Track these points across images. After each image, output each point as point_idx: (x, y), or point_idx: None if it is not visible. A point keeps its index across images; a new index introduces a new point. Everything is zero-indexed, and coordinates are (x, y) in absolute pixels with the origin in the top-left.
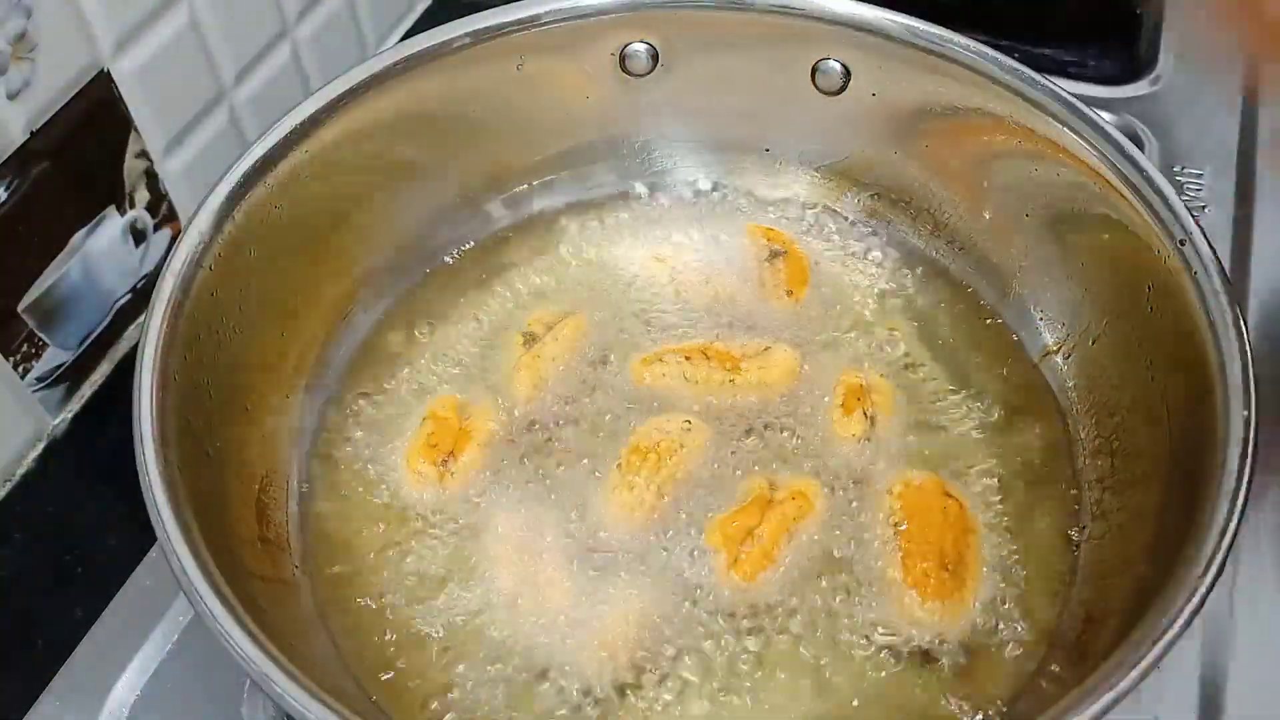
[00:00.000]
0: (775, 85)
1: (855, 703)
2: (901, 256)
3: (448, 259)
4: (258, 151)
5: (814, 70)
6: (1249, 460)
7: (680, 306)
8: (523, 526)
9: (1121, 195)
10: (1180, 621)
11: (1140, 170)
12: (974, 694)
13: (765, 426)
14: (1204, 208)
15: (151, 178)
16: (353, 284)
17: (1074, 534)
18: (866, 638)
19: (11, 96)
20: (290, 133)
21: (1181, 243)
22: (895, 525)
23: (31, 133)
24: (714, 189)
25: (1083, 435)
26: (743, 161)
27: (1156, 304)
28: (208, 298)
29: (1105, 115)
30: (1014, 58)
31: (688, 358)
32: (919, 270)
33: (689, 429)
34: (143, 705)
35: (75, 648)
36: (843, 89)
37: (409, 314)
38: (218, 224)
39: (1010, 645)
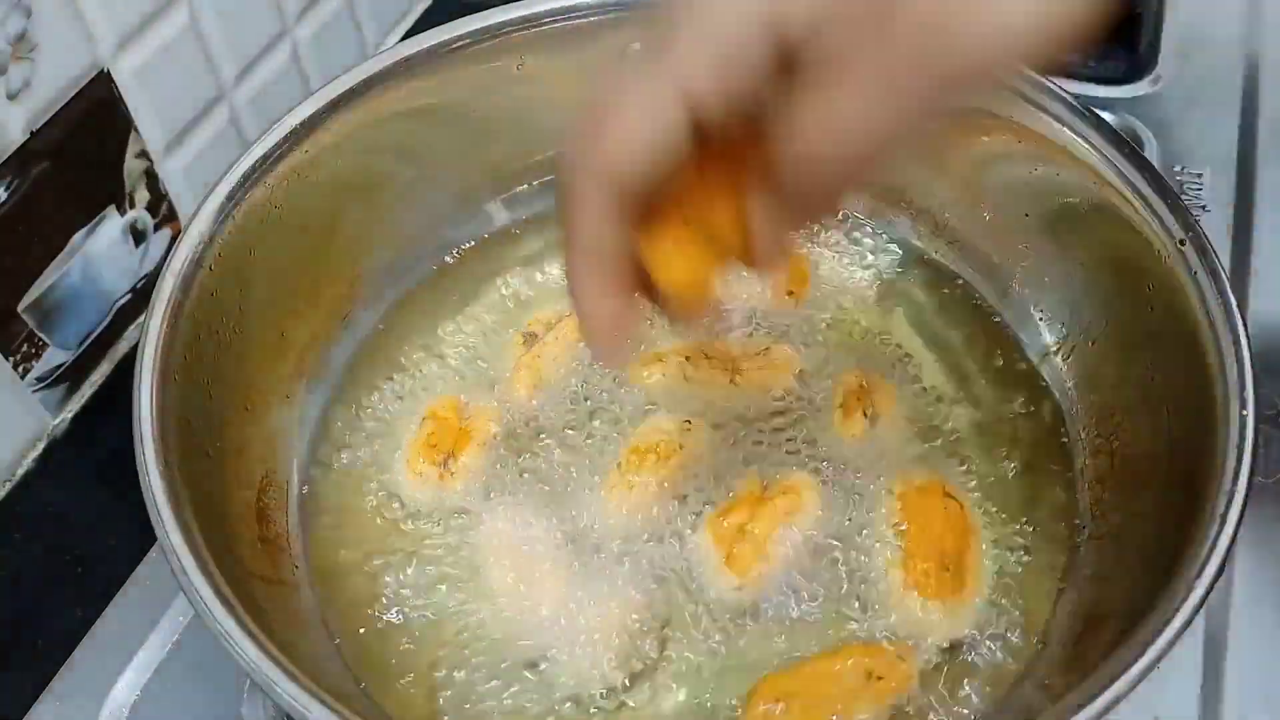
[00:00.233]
0: None
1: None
2: (901, 256)
3: (448, 259)
4: (258, 151)
5: None
6: (1249, 460)
7: None
8: (522, 526)
9: (1122, 195)
10: (1180, 621)
11: (1140, 170)
12: (973, 694)
13: (765, 427)
14: (1204, 208)
15: (151, 178)
16: (353, 284)
17: (1073, 534)
18: (866, 638)
19: (11, 96)
20: (290, 133)
21: (1181, 243)
22: (895, 525)
23: (31, 133)
24: None
25: (1083, 435)
26: None
27: (1156, 304)
28: (208, 298)
29: (1105, 115)
30: None
31: (688, 358)
32: (919, 270)
33: (689, 429)
34: (143, 705)
35: (75, 648)
36: None
37: (409, 314)
38: (218, 224)
39: (1010, 645)
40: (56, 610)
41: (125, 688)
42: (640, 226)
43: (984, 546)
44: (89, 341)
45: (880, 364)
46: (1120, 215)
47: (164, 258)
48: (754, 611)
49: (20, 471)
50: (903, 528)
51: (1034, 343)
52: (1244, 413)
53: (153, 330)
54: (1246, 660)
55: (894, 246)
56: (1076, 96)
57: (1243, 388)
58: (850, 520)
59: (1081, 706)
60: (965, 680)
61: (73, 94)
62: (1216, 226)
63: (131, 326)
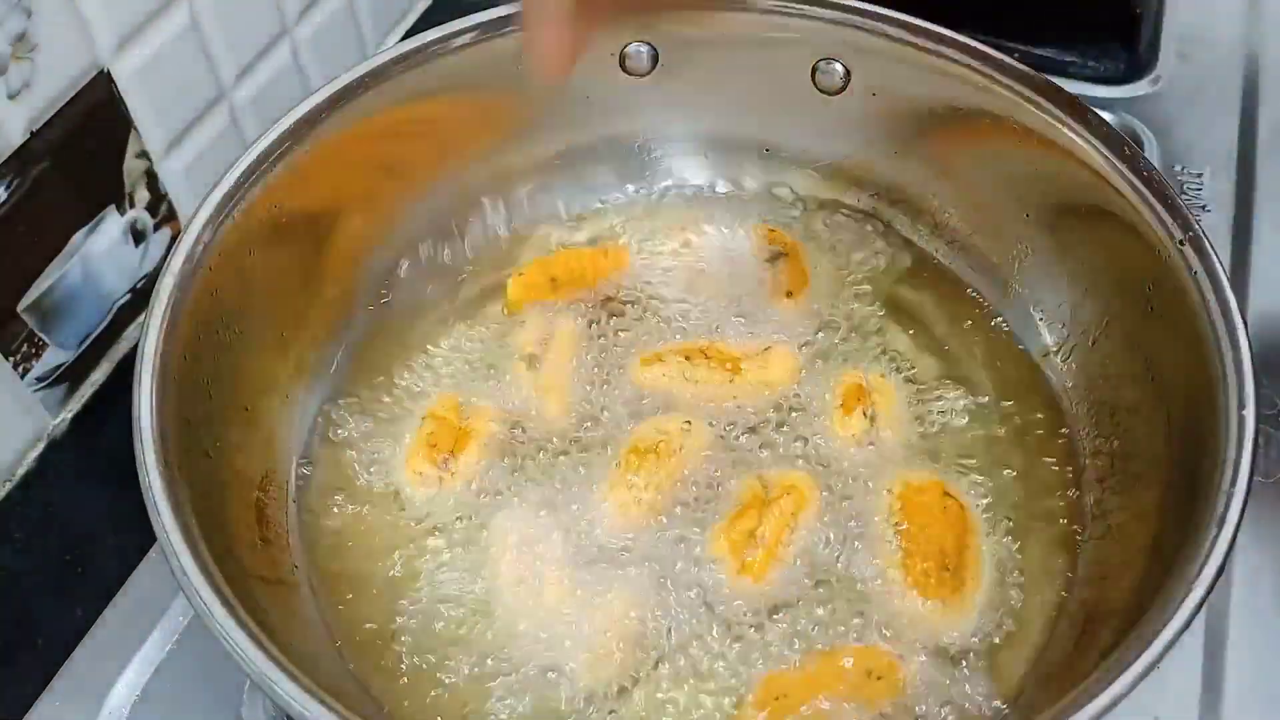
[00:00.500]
0: (775, 85)
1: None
2: (901, 256)
3: (447, 259)
4: (258, 151)
5: (814, 70)
6: (1249, 460)
7: (680, 306)
8: (522, 526)
9: (1122, 195)
10: (1180, 621)
11: (1140, 170)
12: (973, 694)
13: (765, 427)
14: (1204, 208)
15: (151, 178)
16: (353, 284)
17: (1074, 534)
18: (866, 638)
19: (11, 96)
20: (290, 133)
21: (1181, 243)
22: (895, 525)
23: (31, 133)
24: (714, 189)
25: (1083, 435)
26: (743, 161)
27: (1156, 304)
28: (208, 298)
29: (1105, 115)
30: (1014, 58)
31: (688, 358)
32: (919, 270)
33: (688, 429)
34: (143, 705)
35: (75, 648)
36: (843, 89)
37: (409, 314)
38: (218, 224)
39: (1010, 645)
40: (56, 610)
41: (125, 688)
42: None
43: (983, 546)
44: (89, 341)
45: (880, 364)
46: (1120, 215)
47: (164, 258)
48: (755, 612)
49: (20, 471)
50: (902, 527)
51: (1034, 343)
52: (1244, 413)
53: (153, 330)
54: (1246, 660)
55: (894, 246)
56: (1077, 96)
57: (1242, 388)
58: (850, 520)
59: (1081, 706)
60: (965, 680)
61: (73, 94)
62: (1216, 226)
63: (131, 326)
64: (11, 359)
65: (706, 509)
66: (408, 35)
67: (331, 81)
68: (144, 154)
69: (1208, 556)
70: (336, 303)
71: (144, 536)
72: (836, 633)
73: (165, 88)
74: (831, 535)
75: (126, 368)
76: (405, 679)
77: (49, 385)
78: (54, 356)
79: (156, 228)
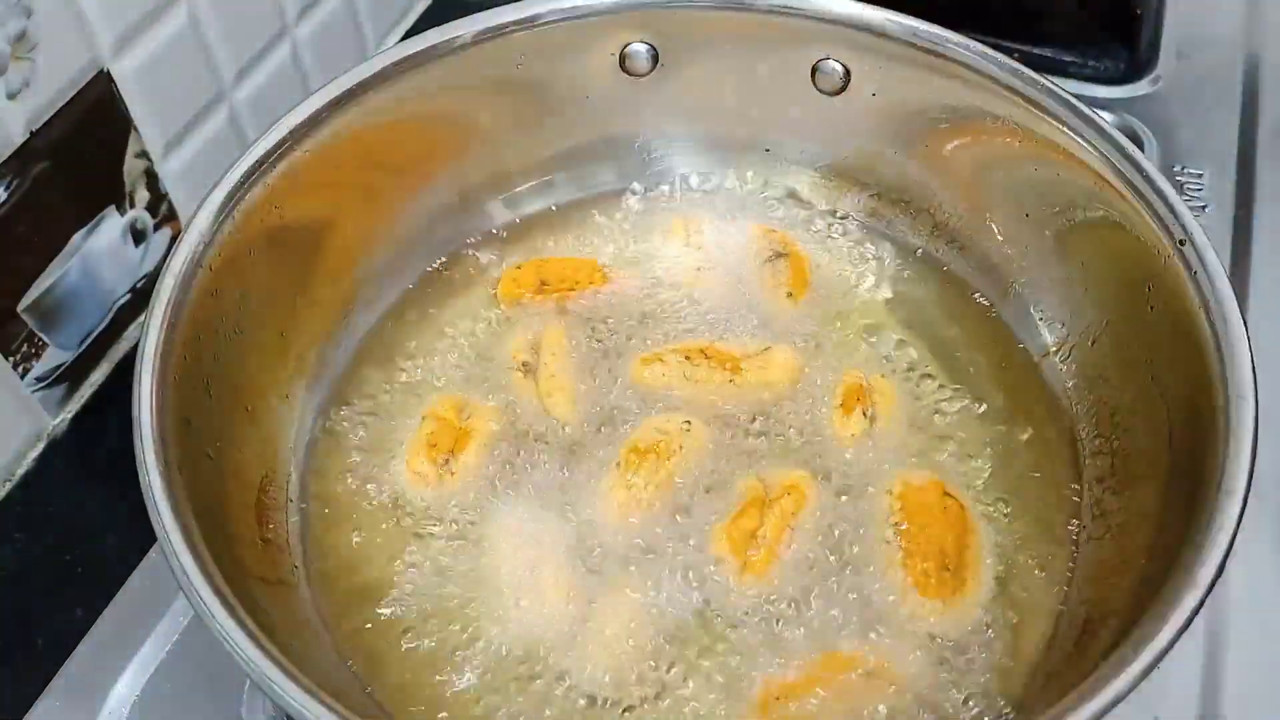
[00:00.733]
0: (775, 85)
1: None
2: (901, 256)
3: (447, 259)
4: (258, 151)
5: (814, 70)
6: (1249, 460)
7: (680, 306)
8: (523, 526)
9: (1121, 195)
10: (1180, 621)
11: (1140, 170)
12: (974, 693)
13: (765, 426)
14: (1204, 208)
15: (151, 178)
16: (353, 284)
17: (1074, 534)
18: (867, 638)
19: (11, 96)
20: (290, 133)
21: (1181, 243)
22: (895, 525)
23: (31, 133)
24: (714, 189)
25: (1083, 435)
26: (743, 161)
27: (1156, 304)
28: (208, 298)
29: (1105, 115)
30: (1014, 58)
31: (688, 357)
32: (919, 270)
33: (688, 429)
34: (143, 705)
35: (75, 648)
36: (843, 89)
37: (409, 314)
38: (218, 224)
39: (1010, 645)
40: (56, 610)
41: (125, 688)
42: None
43: (983, 546)
44: (89, 341)
45: (880, 364)
46: (1120, 215)
47: (164, 258)
48: (756, 612)
49: (20, 471)
50: (903, 527)
51: (1034, 343)
52: (1244, 412)
53: (153, 330)
54: (1246, 660)
55: (894, 246)
56: (1076, 96)
57: (1243, 388)
58: (850, 520)
59: (1081, 706)
60: (965, 680)
61: (73, 94)
62: (1216, 226)
63: (131, 326)
64: (11, 359)
65: (707, 509)
66: (408, 35)
67: (331, 82)
68: (144, 154)
69: (1208, 557)
70: (336, 303)
71: (144, 536)
72: (837, 633)
73: (165, 88)
74: (832, 535)
75: (126, 368)
76: (405, 679)
77: (49, 385)
78: (54, 356)
79: (156, 228)
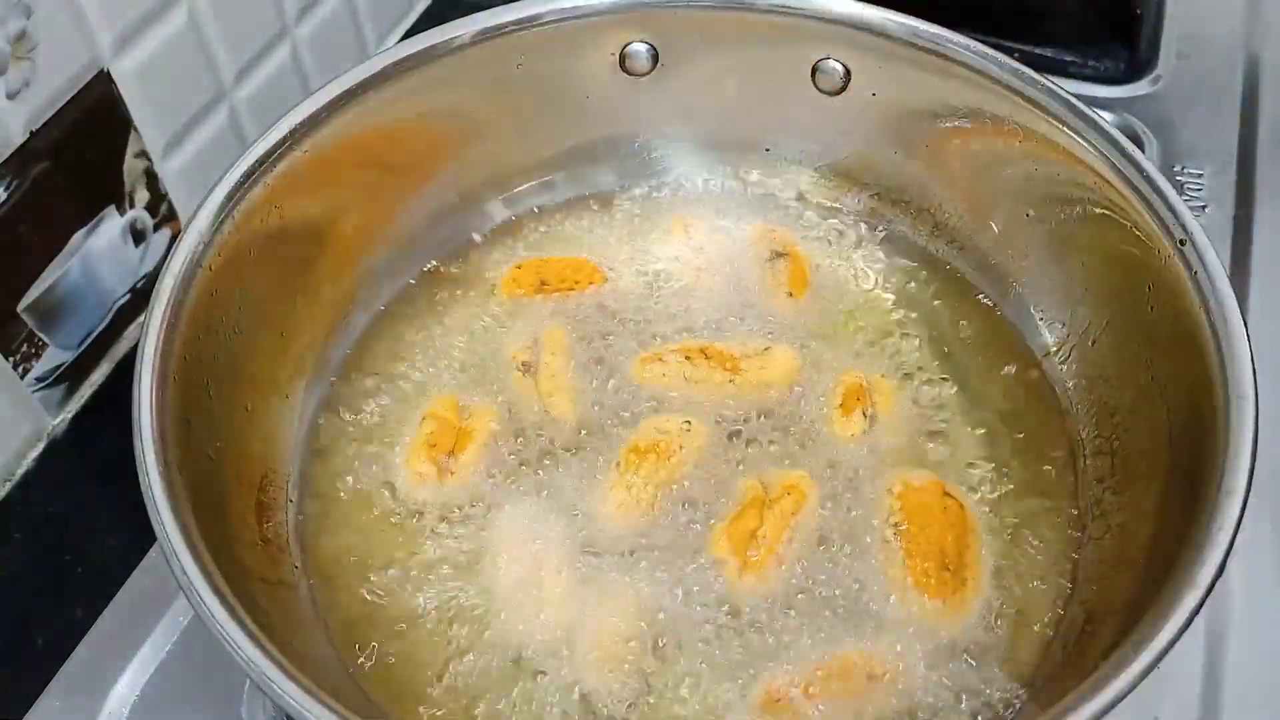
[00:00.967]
0: (775, 85)
1: None
2: (901, 256)
3: (447, 258)
4: (257, 151)
5: (814, 70)
6: (1249, 460)
7: (680, 306)
8: (523, 527)
9: (1122, 195)
10: (1180, 621)
11: (1140, 170)
12: (974, 694)
13: (765, 426)
14: (1204, 208)
15: (151, 178)
16: (353, 284)
17: (1074, 534)
18: (866, 638)
19: (11, 96)
20: (290, 133)
21: (1181, 243)
22: (895, 525)
23: (31, 133)
24: (714, 189)
25: (1083, 435)
26: (743, 161)
27: (1156, 304)
28: (208, 298)
29: (1105, 115)
30: (1014, 58)
31: (688, 357)
32: (919, 270)
33: (688, 429)
34: (143, 705)
35: (75, 648)
36: (843, 89)
37: (409, 314)
38: (218, 224)
39: (1010, 645)
40: (56, 610)
41: (125, 688)
42: None
43: (983, 546)
44: (89, 341)
45: (880, 363)
46: (1120, 215)
47: (164, 258)
48: (757, 613)
49: (20, 472)
50: (902, 527)
51: (1034, 343)
52: (1244, 413)
53: (153, 330)
54: (1246, 660)
55: (894, 246)
56: (1077, 96)
57: (1243, 388)
58: (850, 520)
59: (1082, 706)
60: (965, 680)
61: (73, 94)
62: (1216, 226)
63: (131, 326)
64: (11, 359)
65: (707, 509)
66: (408, 35)
67: (331, 82)
68: (144, 154)
69: (1208, 557)
70: (336, 303)
71: (144, 536)
72: (837, 633)
73: (165, 88)
74: (832, 535)
75: (126, 368)
76: (405, 679)
77: (49, 385)
78: (54, 356)
79: (156, 228)
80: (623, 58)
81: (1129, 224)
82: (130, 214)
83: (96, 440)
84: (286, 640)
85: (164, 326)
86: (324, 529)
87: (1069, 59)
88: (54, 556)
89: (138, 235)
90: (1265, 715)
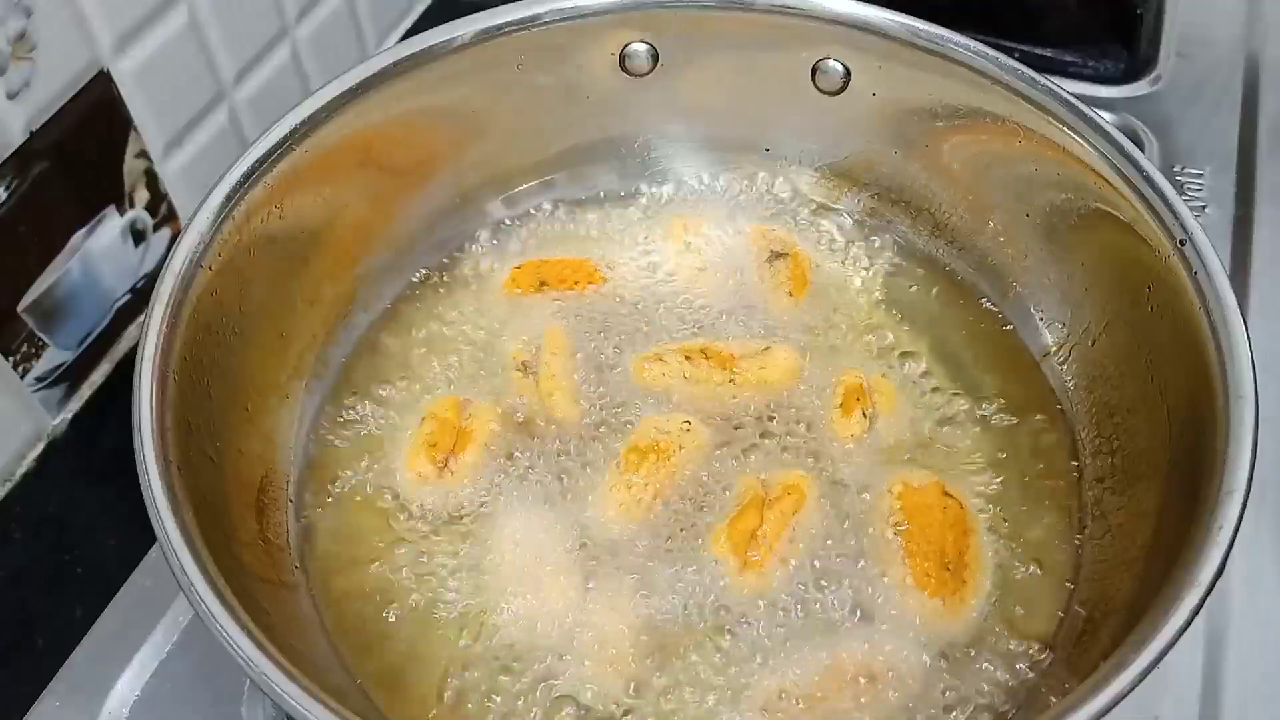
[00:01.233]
0: (775, 85)
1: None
2: (901, 256)
3: (447, 258)
4: (257, 151)
5: (814, 70)
6: (1249, 460)
7: (680, 306)
8: (523, 526)
9: (1121, 195)
10: (1180, 621)
11: (1140, 170)
12: (974, 693)
13: (765, 426)
14: (1204, 208)
15: (151, 178)
16: (353, 284)
17: (1074, 534)
18: (866, 638)
19: (11, 96)
20: (290, 133)
21: (1181, 243)
22: (895, 525)
23: (31, 133)
24: (714, 189)
25: (1083, 435)
26: (743, 161)
27: (1156, 304)
28: (208, 298)
29: (1105, 115)
30: (1014, 58)
31: (688, 357)
32: (919, 270)
33: (688, 429)
34: (143, 705)
35: (75, 648)
36: (843, 89)
37: (409, 314)
38: (218, 224)
39: (1010, 645)
40: (56, 610)
41: (125, 688)
42: None
43: (983, 546)
44: (89, 341)
45: (880, 364)
46: (1120, 215)
47: (164, 258)
48: (758, 613)
49: (20, 472)
50: (903, 527)
51: (1034, 343)
52: (1244, 412)
53: (153, 330)
54: (1246, 660)
55: (894, 246)
56: (1076, 96)
57: (1243, 388)
58: (850, 520)
59: (1081, 706)
60: (965, 680)
61: (73, 94)
62: (1216, 226)
63: (131, 326)
64: (11, 359)
65: (707, 509)
66: (408, 35)
67: (331, 82)
68: (144, 154)
69: (1208, 557)
70: (336, 303)
71: (144, 536)
72: (837, 633)
73: (165, 88)
74: (832, 535)
75: (126, 368)
76: (404, 679)
77: (49, 385)
78: (54, 356)
79: (156, 228)
80: (623, 58)
81: (1129, 224)
82: (130, 214)
83: (96, 440)
84: (286, 640)
85: (164, 326)
86: (324, 529)
87: (1069, 59)
88: (54, 556)
89: (138, 235)
90: (1265, 715)
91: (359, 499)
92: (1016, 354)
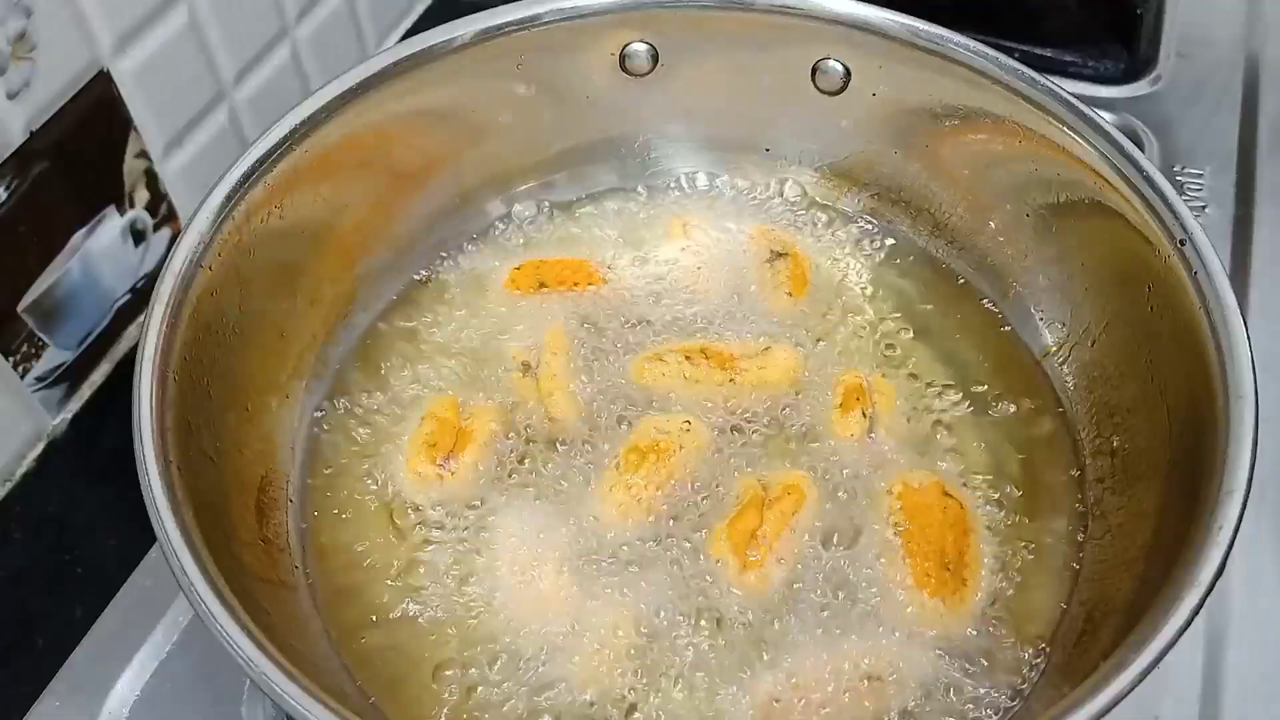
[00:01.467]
0: (775, 85)
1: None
2: (901, 256)
3: (447, 258)
4: (257, 151)
5: (814, 70)
6: (1249, 460)
7: (680, 306)
8: (522, 527)
9: (1122, 195)
10: (1180, 621)
11: (1140, 170)
12: (974, 693)
13: (765, 426)
14: (1204, 208)
15: (151, 178)
16: (353, 284)
17: (1074, 534)
18: (866, 638)
19: (11, 96)
20: (290, 133)
21: (1181, 243)
22: (895, 525)
23: (31, 133)
24: (714, 189)
25: (1083, 435)
26: (743, 161)
27: (1156, 304)
28: (208, 298)
29: (1105, 115)
30: (1014, 58)
31: (688, 357)
32: (919, 270)
33: (688, 429)
34: (143, 705)
35: (75, 648)
36: (843, 89)
37: (409, 314)
38: (218, 224)
39: (1011, 645)
40: (56, 610)
41: (125, 688)
42: None
43: (984, 546)
44: (89, 341)
45: (880, 364)
46: (1120, 215)
47: (164, 258)
48: (757, 613)
49: (20, 472)
50: (902, 527)
51: (1034, 343)
52: (1244, 412)
53: (153, 330)
54: (1246, 660)
55: (894, 247)
56: (1076, 96)
57: (1243, 388)
58: (850, 520)
59: (1081, 706)
60: (965, 680)
61: (73, 94)
62: (1216, 226)
63: (131, 326)
64: (11, 359)
65: (707, 509)
66: (408, 35)
67: (331, 82)
68: (144, 154)
69: (1208, 557)
70: (336, 303)
71: (144, 536)
72: (837, 633)
73: (165, 88)
74: (832, 535)
75: (126, 368)
76: (404, 679)
77: (49, 385)
78: (54, 356)
79: (156, 228)
80: (623, 58)
81: (1129, 224)
82: (130, 214)
83: (96, 440)
84: (286, 640)
85: (164, 326)
86: (324, 529)
87: (1069, 59)
88: (54, 556)
89: (138, 235)
90: (1265, 715)
91: (359, 499)
92: (1016, 354)
